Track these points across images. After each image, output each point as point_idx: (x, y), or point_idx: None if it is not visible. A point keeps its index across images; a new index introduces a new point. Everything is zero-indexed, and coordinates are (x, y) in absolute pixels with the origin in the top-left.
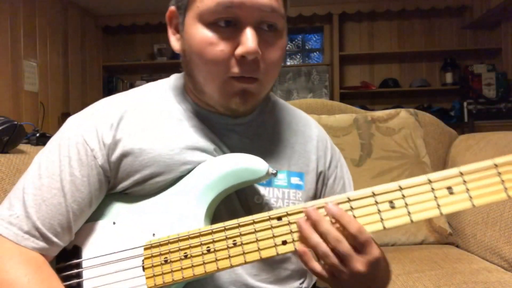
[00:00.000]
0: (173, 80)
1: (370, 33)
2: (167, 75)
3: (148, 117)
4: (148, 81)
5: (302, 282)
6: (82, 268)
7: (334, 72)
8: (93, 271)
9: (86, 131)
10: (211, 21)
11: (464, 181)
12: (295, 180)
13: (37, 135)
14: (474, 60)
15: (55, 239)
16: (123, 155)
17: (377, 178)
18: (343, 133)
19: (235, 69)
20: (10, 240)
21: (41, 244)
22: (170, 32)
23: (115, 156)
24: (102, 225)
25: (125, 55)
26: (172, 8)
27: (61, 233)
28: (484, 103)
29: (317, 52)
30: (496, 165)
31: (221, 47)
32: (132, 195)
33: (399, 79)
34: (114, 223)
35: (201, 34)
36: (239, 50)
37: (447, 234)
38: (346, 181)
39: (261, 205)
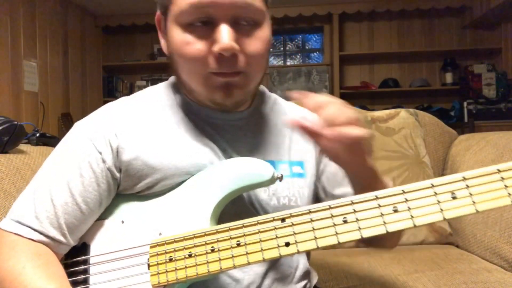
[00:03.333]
0: (171, 82)
1: (370, 33)
2: (167, 75)
3: (153, 123)
4: (148, 81)
5: (305, 285)
6: (89, 264)
7: (334, 72)
8: (100, 267)
9: (93, 135)
10: (187, 22)
11: (467, 186)
12: (296, 169)
13: (37, 135)
14: (474, 60)
15: (61, 238)
16: (132, 161)
17: None
18: None
19: (214, 66)
20: (16, 234)
21: (46, 240)
22: (160, 35)
23: (123, 161)
24: (111, 224)
25: (125, 55)
26: (158, 12)
27: (67, 232)
28: (484, 103)
29: (317, 52)
30: (499, 170)
31: (197, 46)
32: (141, 195)
33: (399, 79)
34: (122, 221)
35: (179, 35)
36: (215, 48)
37: (447, 234)
38: None
39: (268, 196)
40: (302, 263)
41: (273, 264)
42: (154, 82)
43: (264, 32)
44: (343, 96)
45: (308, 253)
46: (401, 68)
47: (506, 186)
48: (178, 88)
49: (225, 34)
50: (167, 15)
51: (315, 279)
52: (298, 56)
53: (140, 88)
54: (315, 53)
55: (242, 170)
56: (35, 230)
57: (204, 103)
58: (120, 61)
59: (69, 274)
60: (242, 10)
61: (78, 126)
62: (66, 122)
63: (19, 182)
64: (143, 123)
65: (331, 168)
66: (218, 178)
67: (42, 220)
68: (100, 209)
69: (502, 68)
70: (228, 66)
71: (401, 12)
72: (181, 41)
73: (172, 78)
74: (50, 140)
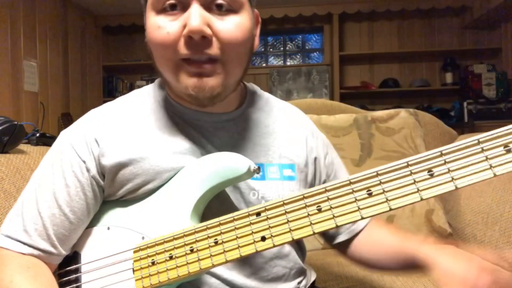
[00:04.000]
0: (157, 84)
1: (370, 33)
2: None
3: (134, 128)
4: (148, 81)
5: (300, 282)
6: (80, 272)
7: (334, 72)
8: (90, 275)
9: (76, 144)
10: (160, 8)
11: (445, 162)
12: (287, 172)
13: (37, 135)
14: (474, 60)
15: (52, 249)
16: (114, 167)
17: None
18: (343, 133)
19: (184, 51)
20: (6, 249)
21: (36, 252)
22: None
23: (106, 167)
24: (97, 231)
25: (125, 55)
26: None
27: (57, 242)
28: (484, 103)
29: (317, 52)
30: (479, 141)
31: (168, 30)
32: (125, 200)
33: (399, 79)
34: (108, 228)
35: (152, 20)
36: (185, 30)
37: (447, 234)
38: (335, 161)
39: (257, 199)
40: (295, 262)
41: (264, 265)
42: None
43: (241, 20)
44: (343, 96)
45: (302, 251)
46: (401, 68)
47: (487, 158)
48: (163, 89)
49: (194, 16)
50: (146, 5)
51: (312, 277)
52: (298, 56)
53: (140, 88)
54: (315, 53)
55: (218, 166)
56: (24, 243)
57: (187, 103)
58: (120, 61)
59: (63, 284)
60: None
61: (63, 135)
62: (66, 122)
63: (19, 182)
64: (124, 128)
65: (327, 170)
66: (195, 176)
67: (31, 233)
68: (88, 217)
69: (502, 68)
70: (199, 51)
71: (401, 12)
72: (153, 25)
73: (158, 82)
74: (50, 140)
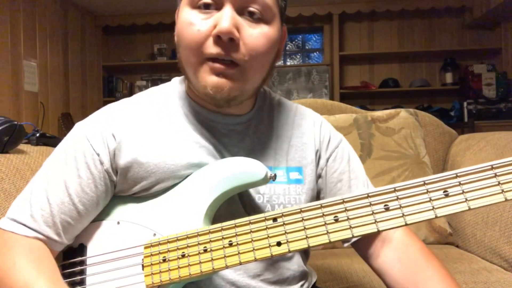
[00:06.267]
0: (175, 83)
1: (370, 33)
2: (167, 75)
3: (152, 125)
4: (148, 81)
5: (303, 284)
6: (86, 265)
7: (334, 72)
8: (96, 268)
9: (92, 136)
10: (195, 5)
11: (460, 183)
12: (294, 175)
13: (37, 135)
14: (474, 60)
15: (55, 237)
16: (129, 163)
17: (377, 178)
18: (343, 133)
19: (211, 49)
20: (10, 232)
21: (40, 237)
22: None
23: (120, 163)
24: (107, 225)
25: (125, 55)
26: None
27: (62, 231)
28: (484, 103)
29: (317, 52)
30: (492, 167)
31: (198, 27)
32: (137, 196)
33: (399, 79)
34: (118, 222)
35: (184, 16)
36: (214, 30)
37: (447, 234)
38: (352, 156)
39: (263, 203)
40: (299, 265)
41: (269, 266)
42: (154, 82)
43: (269, 31)
44: (343, 96)
45: (306, 254)
46: (401, 68)
47: (499, 183)
48: (182, 89)
49: (226, 17)
50: (181, 1)
51: (313, 279)
52: (298, 56)
53: (140, 88)
54: (315, 53)
55: (235, 170)
56: (29, 228)
57: (211, 105)
58: (120, 61)
59: (67, 275)
60: (250, 0)
61: (78, 126)
62: (66, 122)
63: (19, 182)
64: (141, 126)
65: (333, 179)
66: (212, 178)
67: (37, 219)
68: (97, 210)
69: (502, 68)
70: (225, 51)
71: (401, 12)
72: (185, 21)
73: (175, 80)
74: (50, 140)
